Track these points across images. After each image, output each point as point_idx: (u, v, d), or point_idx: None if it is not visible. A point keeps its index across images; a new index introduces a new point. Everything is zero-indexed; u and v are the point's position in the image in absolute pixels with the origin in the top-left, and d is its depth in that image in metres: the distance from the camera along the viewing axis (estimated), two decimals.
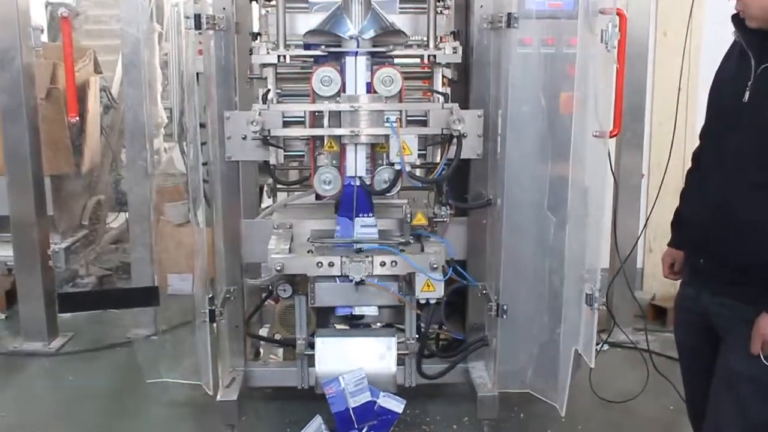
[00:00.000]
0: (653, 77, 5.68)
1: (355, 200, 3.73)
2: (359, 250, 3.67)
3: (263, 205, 6.24)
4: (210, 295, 3.88)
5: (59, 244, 5.70)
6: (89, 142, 6.04)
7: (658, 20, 5.71)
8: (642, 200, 5.47)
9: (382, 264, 3.60)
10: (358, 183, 3.71)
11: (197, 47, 3.78)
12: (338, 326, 4.19)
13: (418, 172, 4.34)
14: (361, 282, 3.61)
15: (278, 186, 5.10)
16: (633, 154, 5.44)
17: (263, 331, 4.73)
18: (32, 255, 5.28)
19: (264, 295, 4.68)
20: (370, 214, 3.79)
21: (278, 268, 3.56)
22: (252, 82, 4.54)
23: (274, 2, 4.18)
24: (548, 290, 3.71)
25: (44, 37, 6.24)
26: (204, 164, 3.89)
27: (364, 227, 3.79)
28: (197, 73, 3.78)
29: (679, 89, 4.60)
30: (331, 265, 3.59)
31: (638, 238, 5.28)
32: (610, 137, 3.49)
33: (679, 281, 3.33)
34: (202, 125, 3.87)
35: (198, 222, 3.87)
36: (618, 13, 3.29)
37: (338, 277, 3.65)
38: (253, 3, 4.51)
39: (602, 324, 4.82)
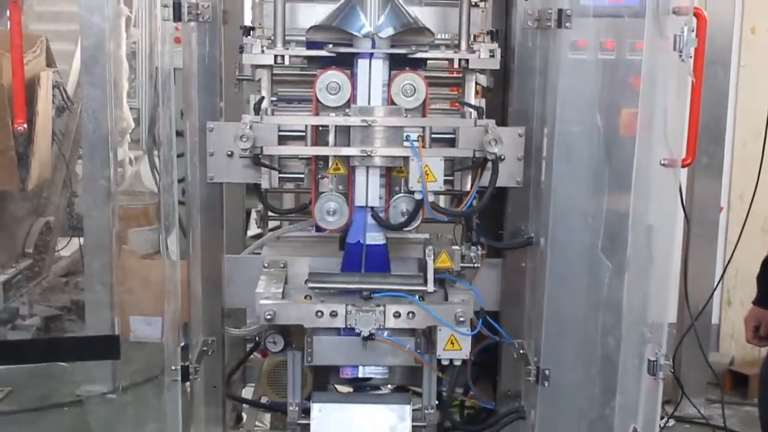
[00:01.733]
0: (737, 86, 5.71)
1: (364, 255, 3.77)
2: (368, 297, 3.70)
3: (250, 233, 6.32)
4: (183, 344, 3.91)
5: None
6: (38, 152, 6.09)
7: (744, 14, 5.75)
8: (720, 240, 5.50)
9: (397, 315, 3.63)
10: (368, 240, 3.74)
11: (174, 36, 3.83)
12: (340, 389, 4.22)
13: (442, 201, 4.37)
14: (370, 337, 3.64)
15: (270, 214, 5.13)
16: (710, 183, 5.46)
17: (247, 392, 4.76)
18: None
19: (249, 346, 4.72)
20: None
21: (268, 317, 3.59)
22: (241, 85, 4.61)
23: None
24: (601, 353, 3.72)
25: None
26: (180, 181, 3.93)
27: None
28: (174, 69, 3.82)
29: None
30: (333, 314, 3.62)
31: (714, 289, 5.30)
32: (682, 167, 3.52)
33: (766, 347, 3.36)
34: (179, 133, 3.91)
35: (169, 253, 3.91)
36: (696, 14, 3.33)
37: (342, 329, 3.68)
38: None
39: (667, 393, 4.82)
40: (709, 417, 5.21)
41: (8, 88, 5.39)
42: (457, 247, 3.89)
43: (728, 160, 5.72)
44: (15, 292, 6.14)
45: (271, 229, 5.74)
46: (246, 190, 4.65)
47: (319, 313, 3.62)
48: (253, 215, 6.43)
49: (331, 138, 3.67)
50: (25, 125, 4.52)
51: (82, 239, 5.66)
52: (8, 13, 4.28)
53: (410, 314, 3.64)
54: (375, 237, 3.80)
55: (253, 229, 6.51)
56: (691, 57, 3.31)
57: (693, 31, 3.28)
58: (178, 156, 3.87)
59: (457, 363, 3.83)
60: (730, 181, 5.83)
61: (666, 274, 3.59)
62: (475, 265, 3.90)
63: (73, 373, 5.68)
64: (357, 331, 3.62)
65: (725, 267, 5.21)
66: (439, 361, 3.83)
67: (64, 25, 7.12)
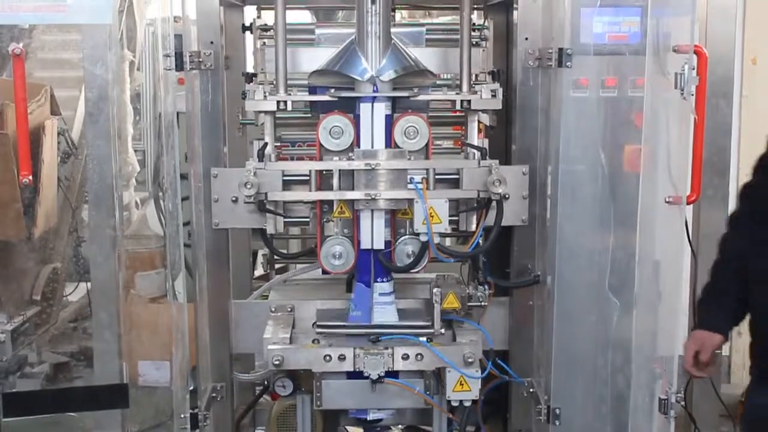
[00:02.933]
0: (740, 116, 5.71)
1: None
2: (376, 340, 3.70)
3: (256, 273, 6.33)
4: (192, 388, 3.91)
5: (5, 325, 5.74)
6: (44, 200, 6.10)
7: (745, 45, 5.76)
8: None
9: (405, 357, 3.64)
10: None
11: (178, 77, 3.85)
12: (350, 429, 4.21)
13: (448, 240, 4.38)
14: (379, 380, 3.64)
15: (276, 258, 5.15)
16: (716, 215, 5.40)
17: None
18: None
19: (258, 390, 4.72)
20: (388, 278, 3.85)
21: (277, 362, 3.60)
22: (244, 129, 4.63)
23: (271, 33, 4.26)
24: (611, 391, 3.71)
25: None
26: (185, 225, 3.94)
27: (382, 296, 3.83)
28: (177, 113, 3.84)
29: None
30: (341, 358, 3.62)
31: None
32: (688, 203, 3.52)
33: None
34: (183, 176, 3.92)
35: (176, 295, 3.92)
36: (696, 52, 3.34)
37: (350, 373, 3.68)
38: (247, 33, 4.60)
39: (680, 428, 4.79)
40: None
41: (13, 138, 5.41)
42: (463, 287, 3.89)
43: (734, 190, 5.70)
44: (23, 339, 6.13)
45: (277, 270, 5.76)
46: (252, 231, 4.65)
47: (328, 357, 3.63)
48: (260, 257, 6.45)
49: (335, 182, 3.68)
50: (30, 177, 4.53)
51: (89, 284, 5.64)
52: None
53: (419, 356, 3.65)
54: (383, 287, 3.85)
55: (260, 270, 6.51)
56: (692, 95, 3.31)
57: (694, 69, 3.29)
58: (183, 199, 3.89)
59: (468, 404, 3.83)
60: None
61: (675, 309, 3.59)
62: (483, 304, 3.90)
63: (83, 420, 5.66)
64: (366, 374, 3.62)
65: None
66: (449, 402, 3.83)
67: (68, 71, 7.15)
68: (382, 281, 3.83)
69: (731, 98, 5.34)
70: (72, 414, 5.59)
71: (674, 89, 3.33)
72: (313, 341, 3.78)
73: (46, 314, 6.60)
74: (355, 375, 3.70)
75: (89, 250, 5.17)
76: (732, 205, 5.66)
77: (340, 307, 3.97)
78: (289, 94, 3.80)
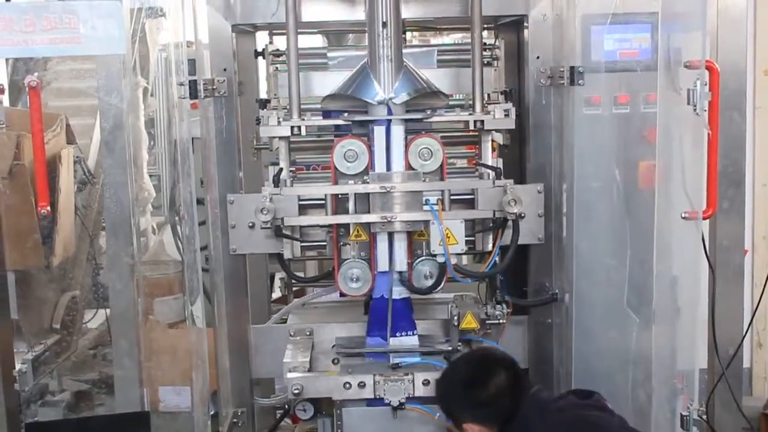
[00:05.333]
0: (754, 127, 5.69)
1: (390, 315, 3.78)
2: (396, 366, 3.70)
3: (274, 296, 6.33)
4: (213, 413, 3.91)
5: (26, 355, 5.75)
6: (62, 229, 6.11)
7: (757, 56, 5.75)
8: (746, 283, 5.45)
9: (426, 383, 3.63)
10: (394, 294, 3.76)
11: (191, 103, 3.87)
12: None
13: (465, 259, 4.38)
14: (400, 406, 3.64)
15: (294, 281, 5.15)
16: (732, 227, 5.39)
17: None
18: None
19: (279, 413, 4.72)
20: (412, 332, 3.85)
21: (296, 391, 3.60)
22: (259, 153, 4.64)
23: (284, 58, 4.28)
24: (632, 407, 3.70)
25: (5, 100, 6.40)
26: (202, 249, 3.96)
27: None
28: (192, 138, 3.85)
29: None
30: (361, 386, 3.62)
31: (746, 332, 5.24)
32: (704, 218, 3.51)
33: None
34: (200, 201, 3.94)
35: (195, 320, 3.93)
36: (708, 67, 3.33)
37: (371, 400, 3.67)
38: (259, 59, 4.62)
39: None
40: None
41: (30, 168, 5.44)
42: (481, 307, 3.90)
43: (749, 202, 5.69)
44: (44, 368, 6.14)
45: (295, 293, 5.76)
46: (269, 255, 4.67)
47: (347, 385, 3.63)
48: (277, 280, 6.46)
49: (351, 205, 3.70)
50: (49, 208, 4.56)
51: (107, 311, 5.65)
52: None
53: None
54: (399, 291, 3.84)
55: (278, 293, 6.52)
56: (705, 110, 3.31)
57: (706, 84, 3.28)
58: (200, 224, 3.90)
59: None
60: (753, 223, 5.80)
61: (693, 323, 3.58)
62: (501, 322, 3.90)
63: None
64: (386, 401, 3.62)
65: (755, 309, 5.17)
66: None
67: (83, 100, 7.18)
68: (404, 335, 3.86)
69: (744, 110, 5.34)
70: None
71: (687, 105, 3.32)
72: (333, 361, 3.81)
73: (66, 342, 6.61)
74: (376, 401, 3.69)
75: (108, 277, 5.19)
76: (749, 215, 5.67)
77: (359, 331, 3.98)
78: (303, 119, 3.81)
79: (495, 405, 3.24)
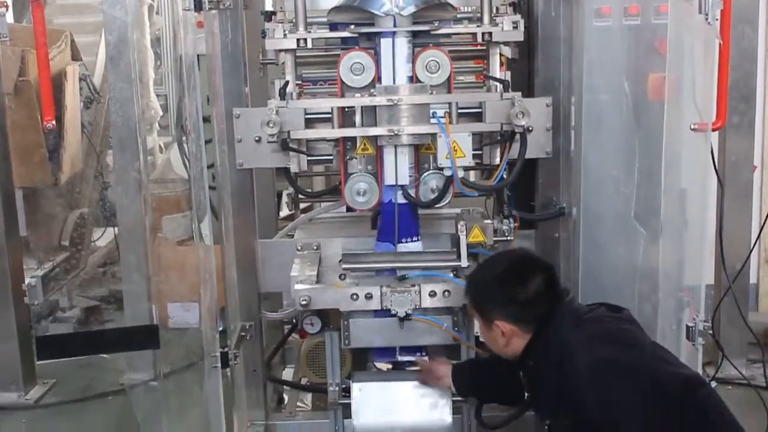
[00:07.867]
0: (766, 42, 5.63)
1: (397, 221, 3.77)
2: (403, 278, 3.70)
3: (282, 214, 6.33)
4: (221, 329, 3.93)
5: (36, 272, 5.78)
6: (68, 146, 6.12)
7: None
8: (755, 199, 5.44)
9: (432, 294, 3.64)
10: (400, 198, 3.74)
11: (197, 20, 3.83)
12: (379, 365, 4.22)
13: (472, 175, 4.35)
14: (407, 317, 3.65)
15: (301, 197, 5.14)
16: (742, 143, 5.39)
17: (287, 374, 4.77)
18: (2, 289, 5.33)
19: (287, 329, 4.74)
20: (416, 238, 3.83)
21: (304, 302, 3.60)
22: (265, 69, 4.60)
23: None
24: (639, 320, 3.68)
25: (9, 17, 6.35)
26: (209, 167, 3.94)
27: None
28: (198, 56, 3.81)
29: None
30: (368, 297, 3.63)
31: (752, 248, 5.25)
32: (713, 130, 3.48)
33: None
34: (206, 119, 3.91)
35: (203, 237, 3.92)
36: None
37: (378, 311, 3.68)
38: None
39: (708, 355, 4.80)
40: (751, 377, 5.18)
41: (35, 85, 5.41)
42: (489, 221, 3.89)
43: (760, 117, 5.65)
44: (54, 285, 6.18)
45: (302, 211, 5.76)
46: (276, 172, 4.65)
47: (354, 296, 3.63)
48: (284, 197, 6.45)
49: (357, 119, 3.66)
50: (54, 122, 4.54)
51: (116, 229, 5.67)
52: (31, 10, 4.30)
53: (446, 293, 3.64)
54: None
55: (285, 211, 6.52)
56: (717, 20, 3.26)
57: None
58: (207, 142, 3.88)
59: None
60: (762, 139, 5.77)
61: (701, 237, 3.56)
62: (509, 237, 3.89)
63: (115, 362, 5.73)
64: (393, 312, 3.63)
65: (762, 226, 5.16)
66: (476, 338, 3.82)
67: (88, 17, 7.13)
68: (409, 242, 3.85)
69: (756, 23, 5.28)
70: (104, 355, 5.68)
71: (698, 14, 3.27)
72: (340, 276, 3.79)
73: (75, 259, 6.66)
74: (383, 313, 3.70)
75: (115, 193, 5.21)
76: (759, 131, 5.63)
77: (366, 244, 3.97)
78: (309, 32, 3.75)
79: (531, 305, 3.23)
